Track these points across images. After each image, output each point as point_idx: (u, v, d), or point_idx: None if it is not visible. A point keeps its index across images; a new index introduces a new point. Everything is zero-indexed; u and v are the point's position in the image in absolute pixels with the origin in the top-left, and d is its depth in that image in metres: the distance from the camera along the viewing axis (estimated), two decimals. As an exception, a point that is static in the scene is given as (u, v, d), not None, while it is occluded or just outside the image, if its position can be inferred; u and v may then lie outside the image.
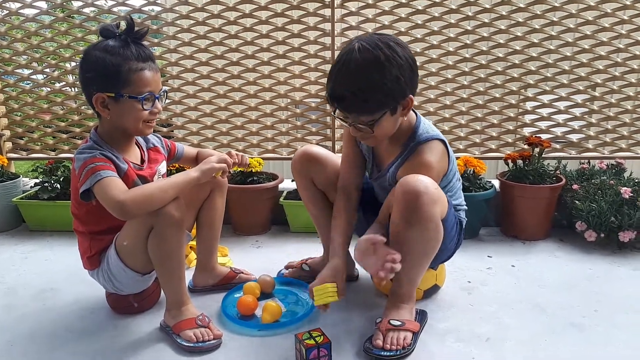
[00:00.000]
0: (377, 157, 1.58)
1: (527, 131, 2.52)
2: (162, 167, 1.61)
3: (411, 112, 1.44)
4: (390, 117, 1.35)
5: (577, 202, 2.10)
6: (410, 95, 1.35)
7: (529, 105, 2.49)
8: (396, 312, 1.42)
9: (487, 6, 2.34)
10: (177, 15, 2.48)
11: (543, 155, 2.26)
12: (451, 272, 1.86)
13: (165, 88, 1.46)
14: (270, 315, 1.47)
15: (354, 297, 1.66)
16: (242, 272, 1.78)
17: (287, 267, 1.85)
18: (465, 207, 1.62)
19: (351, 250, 1.74)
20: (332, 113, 1.42)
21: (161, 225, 1.34)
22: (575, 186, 2.18)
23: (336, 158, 1.69)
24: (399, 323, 1.38)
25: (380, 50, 1.27)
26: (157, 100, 1.41)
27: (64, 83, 2.66)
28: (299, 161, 1.67)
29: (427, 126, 1.47)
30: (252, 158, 2.35)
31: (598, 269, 1.90)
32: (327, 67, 2.46)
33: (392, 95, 1.31)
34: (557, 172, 2.29)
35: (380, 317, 1.43)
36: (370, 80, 1.27)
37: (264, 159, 2.48)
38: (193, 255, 1.92)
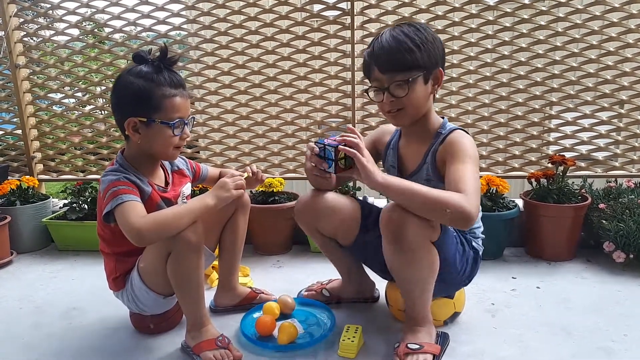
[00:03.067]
0: (404, 163, 1.56)
1: (551, 149, 2.48)
2: (187, 189, 1.64)
3: (439, 116, 1.50)
4: (422, 85, 1.38)
5: (604, 221, 2.05)
6: (441, 69, 1.40)
7: (552, 123, 2.46)
8: (413, 335, 1.41)
9: (508, 24, 2.34)
10: (201, 39, 2.55)
11: (568, 174, 2.22)
12: (475, 293, 1.83)
13: (193, 115, 1.49)
14: (286, 336, 1.47)
15: (372, 321, 1.65)
16: (263, 293, 1.79)
17: (307, 290, 1.84)
18: (483, 236, 1.59)
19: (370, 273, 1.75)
20: (366, 93, 1.46)
21: (178, 250, 1.36)
22: (601, 205, 2.13)
23: (343, 202, 1.61)
24: (417, 346, 1.36)
25: (415, 24, 1.40)
26: (185, 126, 1.44)
27: (92, 107, 2.76)
28: (303, 213, 1.64)
29: (453, 125, 1.49)
30: (273, 178, 2.38)
31: (628, 291, 1.84)
32: (348, 88, 2.49)
33: (428, 55, 1.36)
34: (583, 191, 2.24)
35: (398, 342, 1.41)
36: (410, 38, 1.35)
37: (285, 178, 2.51)
38: (215, 275, 1.95)
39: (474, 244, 1.53)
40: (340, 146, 1.30)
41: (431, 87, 1.41)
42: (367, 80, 1.50)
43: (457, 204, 1.21)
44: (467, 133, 1.45)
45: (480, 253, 1.57)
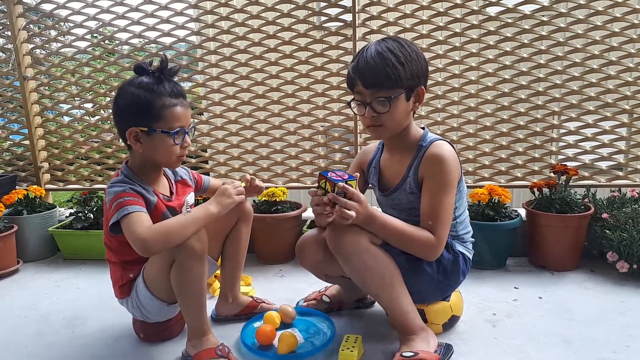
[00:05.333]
0: (386, 176, 1.60)
1: (556, 158, 2.48)
2: (190, 198, 1.66)
3: (418, 126, 1.54)
4: (404, 102, 1.42)
5: (607, 231, 2.04)
6: (423, 87, 1.44)
7: (555, 132, 2.46)
8: (407, 344, 1.42)
9: (509, 35, 2.36)
10: (206, 51, 2.59)
11: (571, 183, 2.22)
12: (476, 303, 1.83)
13: (193, 122, 1.51)
14: (286, 346, 1.48)
15: (372, 331, 1.65)
16: (264, 302, 1.80)
17: (306, 300, 1.84)
18: (473, 240, 1.61)
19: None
20: (349, 105, 1.49)
21: (182, 258, 1.38)
22: (605, 215, 2.12)
23: None
24: (411, 354, 1.37)
25: (399, 40, 1.43)
26: (186, 135, 1.47)
27: (99, 117, 2.80)
28: (308, 264, 1.68)
29: (434, 135, 1.54)
30: (276, 187, 2.39)
31: (631, 301, 1.83)
32: (349, 99, 2.50)
33: (411, 73, 1.39)
34: (586, 200, 2.23)
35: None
36: (395, 55, 1.37)
37: (288, 188, 2.53)
38: (217, 284, 1.96)
39: (457, 247, 1.54)
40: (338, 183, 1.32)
41: (412, 104, 1.45)
42: None
43: (425, 249, 1.41)
44: (448, 141, 1.49)
45: (469, 256, 1.58)
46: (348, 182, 1.32)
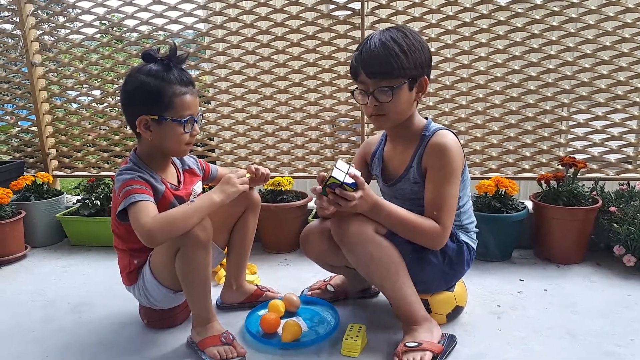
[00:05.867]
0: (390, 166, 1.60)
1: (565, 150, 2.46)
2: (198, 187, 1.66)
3: (422, 116, 1.54)
4: (407, 92, 1.42)
5: (614, 224, 2.03)
6: (426, 77, 1.44)
7: (564, 124, 2.44)
8: (410, 335, 1.43)
9: (519, 25, 2.32)
10: (213, 38, 2.58)
11: (579, 176, 2.20)
12: (481, 295, 1.82)
13: (201, 109, 1.51)
14: (290, 335, 1.49)
15: (376, 320, 1.66)
16: (269, 290, 1.81)
17: (310, 290, 1.85)
18: (477, 230, 1.61)
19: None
20: (352, 94, 1.49)
21: (187, 247, 1.38)
22: (612, 208, 2.10)
23: None
24: (414, 344, 1.37)
25: (404, 30, 1.42)
26: (195, 122, 1.47)
27: (106, 104, 2.80)
28: (312, 254, 1.69)
29: (437, 124, 1.53)
30: (282, 177, 2.39)
31: (637, 295, 1.82)
32: (357, 88, 2.49)
33: (414, 63, 1.39)
34: (594, 193, 2.22)
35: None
36: (398, 45, 1.37)
37: (294, 177, 2.53)
38: (222, 272, 1.97)
39: (461, 237, 1.54)
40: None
41: (415, 94, 1.44)
42: None
43: (430, 238, 1.42)
44: (451, 131, 1.48)
45: (473, 246, 1.58)
46: (345, 185, 1.31)
